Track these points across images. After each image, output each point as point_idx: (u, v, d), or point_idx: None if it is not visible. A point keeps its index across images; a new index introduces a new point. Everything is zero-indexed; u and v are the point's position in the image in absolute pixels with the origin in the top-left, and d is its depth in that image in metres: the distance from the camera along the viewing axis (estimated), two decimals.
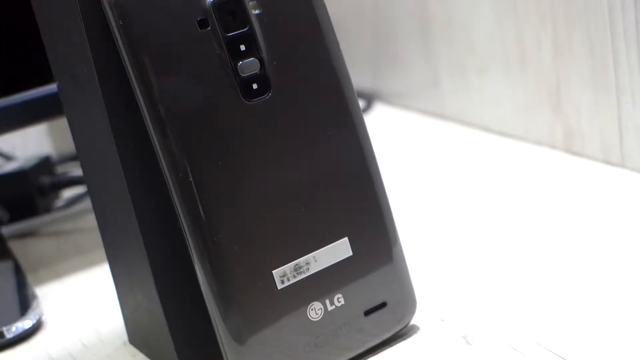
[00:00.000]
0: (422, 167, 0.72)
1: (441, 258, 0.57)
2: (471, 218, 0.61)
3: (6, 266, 0.64)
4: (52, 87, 0.62)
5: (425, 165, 0.72)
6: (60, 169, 0.81)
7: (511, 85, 0.71)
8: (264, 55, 0.45)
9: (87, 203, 0.74)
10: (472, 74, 0.75)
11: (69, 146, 0.85)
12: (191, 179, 0.43)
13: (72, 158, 0.83)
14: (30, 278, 0.63)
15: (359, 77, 0.83)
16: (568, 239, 0.56)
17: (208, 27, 0.43)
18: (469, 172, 0.69)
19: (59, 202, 0.75)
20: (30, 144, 0.85)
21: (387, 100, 0.86)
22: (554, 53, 0.66)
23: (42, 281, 0.63)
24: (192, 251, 0.44)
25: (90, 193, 0.52)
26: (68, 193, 0.77)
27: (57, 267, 0.65)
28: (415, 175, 0.70)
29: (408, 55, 0.81)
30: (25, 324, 0.56)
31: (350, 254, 0.47)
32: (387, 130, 0.80)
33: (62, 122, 0.75)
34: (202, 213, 0.43)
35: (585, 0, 0.62)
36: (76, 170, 0.81)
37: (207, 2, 0.43)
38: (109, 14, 0.42)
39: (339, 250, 0.46)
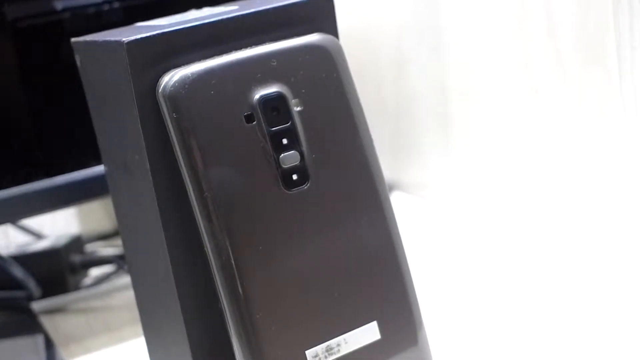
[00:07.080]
0: (438, 253, 0.74)
1: (460, 341, 0.59)
2: (488, 303, 0.63)
3: (38, 340, 0.66)
4: (93, 170, 0.65)
5: (441, 252, 0.74)
6: (88, 248, 0.83)
7: None
8: (304, 148, 0.48)
9: (115, 282, 0.76)
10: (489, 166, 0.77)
11: (96, 225, 0.88)
12: (233, 262, 0.46)
13: (100, 237, 0.86)
14: (61, 352, 0.65)
15: None
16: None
17: (254, 121, 0.47)
18: (485, 258, 0.71)
19: (88, 280, 0.78)
20: (58, 222, 0.87)
21: (405, 189, 0.89)
22: None
23: (73, 355, 0.65)
24: (231, 330, 0.47)
25: (131, 273, 0.54)
26: (97, 271, 0.79)
27: (87, 343, 0.67)
28: (433, 261, 0.72)
29: (427, 148, 0.84)
30: None
31: (379, 337, 0.49)
32: (405, 217, 0.83)
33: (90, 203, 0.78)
34: (241, 294, 0.46)
35: None
36: (104, 250, 0.84)
37: (253, 99, 0.47)
38: (163, 106, 0.46)
39: (368, 333, 0.49)
